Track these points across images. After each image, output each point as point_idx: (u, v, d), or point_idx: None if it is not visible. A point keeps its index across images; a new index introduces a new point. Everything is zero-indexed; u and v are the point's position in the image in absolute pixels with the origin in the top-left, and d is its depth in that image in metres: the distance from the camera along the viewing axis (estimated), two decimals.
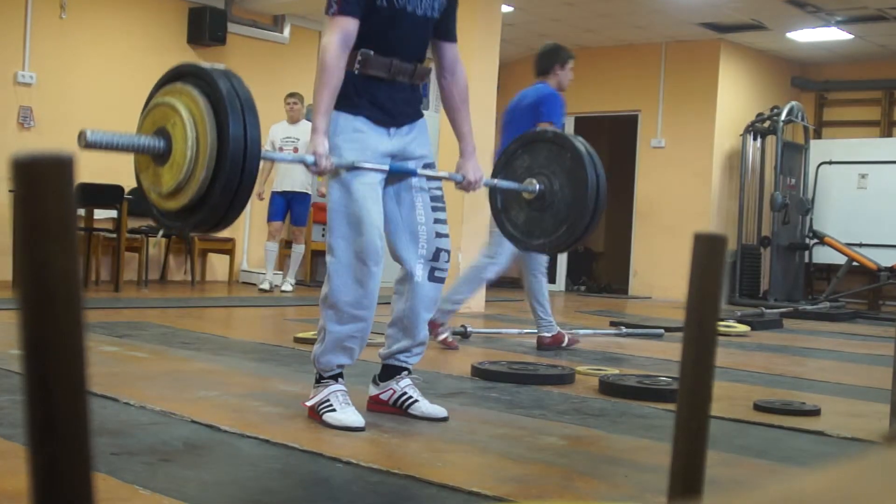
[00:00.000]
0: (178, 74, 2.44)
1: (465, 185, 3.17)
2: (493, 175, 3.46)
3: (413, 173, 3.03)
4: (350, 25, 2.85)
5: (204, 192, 2.31)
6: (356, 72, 2.92)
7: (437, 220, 3.06)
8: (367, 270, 2.88)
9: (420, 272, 3.04)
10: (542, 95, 5.14)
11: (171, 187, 2.33)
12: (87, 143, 2.29)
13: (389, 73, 2.95)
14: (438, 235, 3.06)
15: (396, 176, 3.00)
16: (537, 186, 3.30)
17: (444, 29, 3.11)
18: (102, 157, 9.18)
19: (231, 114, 2.29)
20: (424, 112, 3.23)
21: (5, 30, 7.98)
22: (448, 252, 3.09)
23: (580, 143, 3.31)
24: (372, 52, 2.91)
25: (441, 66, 3.14)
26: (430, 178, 3.07)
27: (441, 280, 3.09)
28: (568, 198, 3.26)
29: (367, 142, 2.94)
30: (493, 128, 7.99)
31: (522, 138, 3.44)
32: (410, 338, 3.09)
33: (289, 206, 8.54)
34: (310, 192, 8.58)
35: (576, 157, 3.25)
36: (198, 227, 2.38)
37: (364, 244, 2.86)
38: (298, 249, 8.64)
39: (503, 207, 3.44)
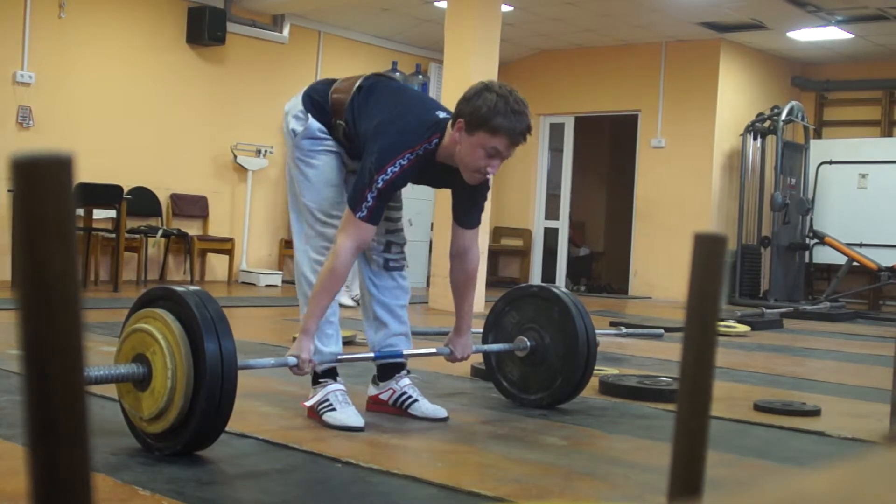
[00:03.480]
0: (154, 298, 2.51)
1: (451, 359, 3.19)
2: (484, 333, 3.50)
3: (399, 356, 3.09)
4: (370, 234, 2.82)
5: (185, 415, 2.37)
6: (343, 127, 2.98)
7: (385, 218, 3.06)
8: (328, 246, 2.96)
9: (375, 263, 3.12)
10: None
11: (152, 413, 2.39)
12: None
13: None
14: (388, 231, 3.11)
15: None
16: (528, 343, 3.34)
17: (465, 218, 3.04)
18: (102, 157, 9.08)
19: (204, 331, 2.34)
20: None
21: (4, 29, 7.97)
22: (399, 245, 3.15)
23: (565, 295, 3.37)
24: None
25: (454, 245, 3.06)
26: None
27: (396, 268, 3.14)
28: (560, 350, 3.30)
29: (336, 150, 3.01)
30: None
31: (507, 296, 3.48)
32: (385, 332, 3.13)
33: None
34: None
35: (563, 310, 3.31)
36: (182, 451, 2.41)
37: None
38: None
39: (497, 366, 3.47)
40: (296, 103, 3.05)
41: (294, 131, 3.00)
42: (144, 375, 2.40)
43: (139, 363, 2.41)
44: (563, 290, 3.45)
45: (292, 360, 2.77)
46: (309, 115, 2.98)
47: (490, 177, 2.85)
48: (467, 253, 3.05)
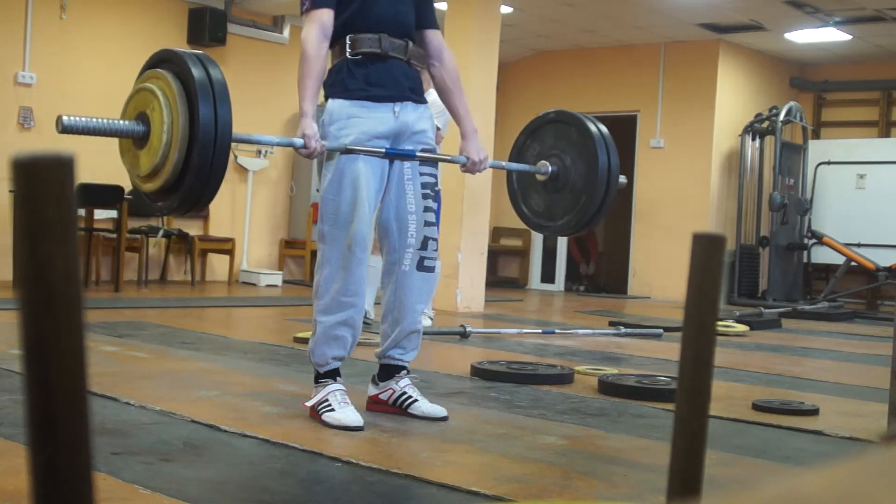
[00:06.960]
0: (158, 60, 2.56)
1: (469, 167, 3.14)
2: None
3: (412, 155, 2.99)
4: (325, 17, 2.89)
5: (178, 174, 2.40)
6: (348, 56, 2.96)
7: (426, 209, 3.03)
8: (353, 257, 2.88)
9: (409, 261, 3.02)
10: None
11: (147, 170, 2.42)
12: (63, 128, 2.38)
13: (381, 49, 2.96)
14: (427, 224, 3.03)
15: (391, 161, 2.98)
16: (550, 168, 3.36)
17: (421, 17, 3.12)
18: (103, 158, 9.13)
19: (201, 98, 2.38)
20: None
21: (6, 30, 7.97)
22: (435, 241, 3.07)
23: (584, 117, 3.39)
24: (359, 34, 2.95)
25: (428, 54, 3.16)
26: (428, 161, 3.05)
27: (430, 269, 3.05)
28: (581, 169, 3.32)
29: (363, 126, 2.92)
30: (492, 128, 7.97)
31: (527, 129, 3.51)
32: (400, 330, 3.07)
33: None
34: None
35: (581, 130, 3.33)
36: (178, 208, 2.45)
37: (353, 232, 2.87)
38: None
39: (522, 198, 3.47)
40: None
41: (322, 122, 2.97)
42: (144, 133, 2.44)
43: (140, 121, 2.45)
44: (583, 114, 3.46)
45: (299, 142, 2.78)
46: (332, 109, 2.96)
47: None
48: (442, 53, 3.13)
